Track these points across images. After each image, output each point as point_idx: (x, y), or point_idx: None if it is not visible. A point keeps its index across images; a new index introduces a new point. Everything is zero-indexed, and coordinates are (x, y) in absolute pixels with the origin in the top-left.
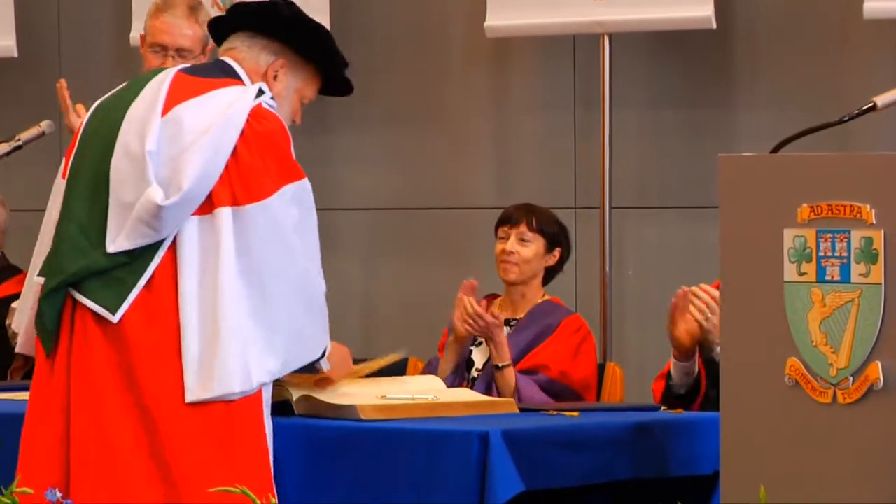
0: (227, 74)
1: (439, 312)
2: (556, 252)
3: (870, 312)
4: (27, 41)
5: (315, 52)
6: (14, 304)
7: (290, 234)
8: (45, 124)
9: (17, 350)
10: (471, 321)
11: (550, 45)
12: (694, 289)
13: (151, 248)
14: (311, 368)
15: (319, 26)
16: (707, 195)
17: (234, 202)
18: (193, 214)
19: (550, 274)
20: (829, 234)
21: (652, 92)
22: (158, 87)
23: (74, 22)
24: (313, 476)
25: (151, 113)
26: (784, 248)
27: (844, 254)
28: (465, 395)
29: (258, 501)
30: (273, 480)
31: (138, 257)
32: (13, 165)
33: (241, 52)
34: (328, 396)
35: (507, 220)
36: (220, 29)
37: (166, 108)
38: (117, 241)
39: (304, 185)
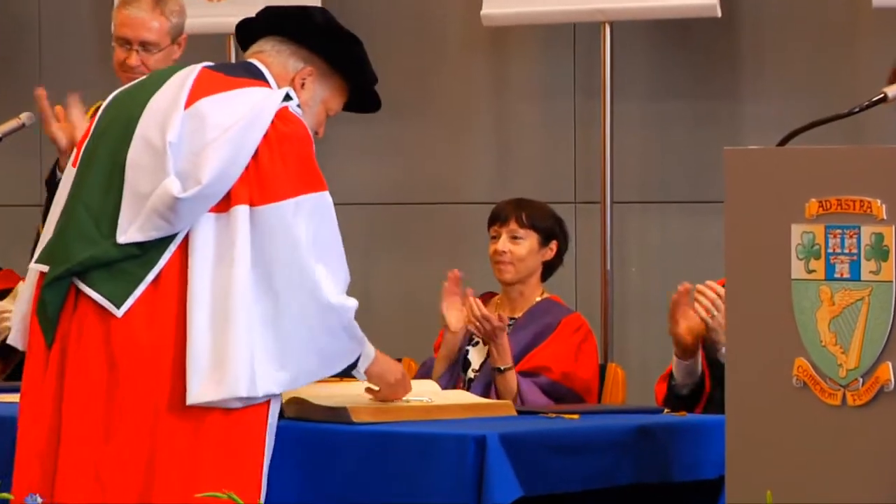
0: (253, 76)
1: (437, 310)
2: (553, 245)
3: (881, 311)
4: (6, 37)
5: (345, 63)
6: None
7: (304, 247)
8: (24, 116)
9: (7, 342)
10: (477, 323)
11: (549, 34)
12: (699, 286)
13: (163, 242)
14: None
15: (352, 37)
16: (712, 189)
17: (252, 202)
18: (210, 211)
19: (549, 268)
20: (839, 230)
21: (655, 82)
22: (182, 81)
23: (54, 17)
24: (303, 481)
25: (174, 105)
26: (792, 245)
27: (854, 250)
28: (461, 397)
29: None
30: (262, 499)
31: (149, 250)
32: None
33: (270, 57)
34: (319, 398)
35: (497, 218)
36: (249, 31)
37: (189, 102)
38: (129, 233)
39: (324, 197)
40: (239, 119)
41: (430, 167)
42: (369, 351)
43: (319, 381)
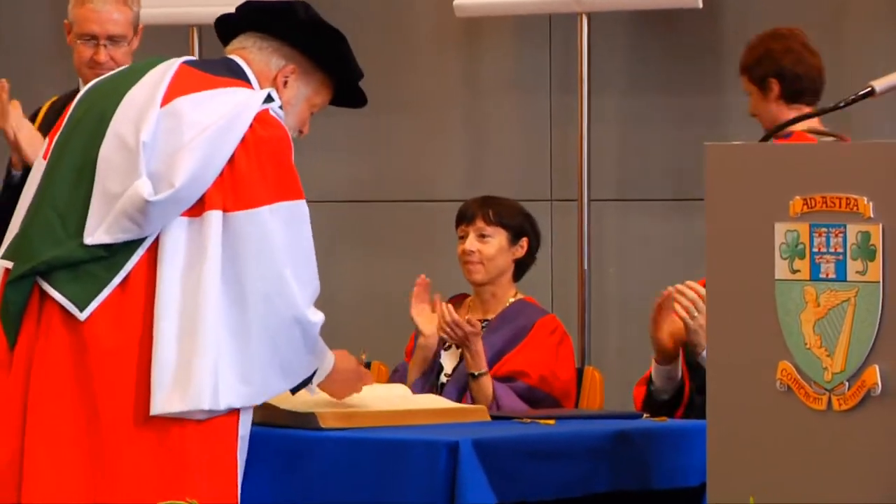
0: (234, 74)
1: (407, 312)
2: (523, 242)
3: (867, 313)
4: None
5: (330, 59)
6: None
7: (276, 256)
8: None
9: None
10: (448, 329)
11: (524, 26)
12: (678, 286)
13: (131, 245)
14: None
15: (336, 32)
16: (693, 187)
17: (225, 208)
18: (182, 215)
19: (521, 267)
20: (824, 229)
21: (634, 76)
22: (160, 76)
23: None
24: (270, 489)
25: (150, 102)
26: (775, 244)
27: (840, 250)
28: (433, 401)
29: None
30: None
31: (116, 253)
32: None
33: (251, 54)
34: (286, 403)
35: (463, 217)
36: (229, 26)
37: (166, 99)
38: (96, 234)
39: (300, 206)
40: (216, 121)
41: (399, 164)
42: (327, 365)
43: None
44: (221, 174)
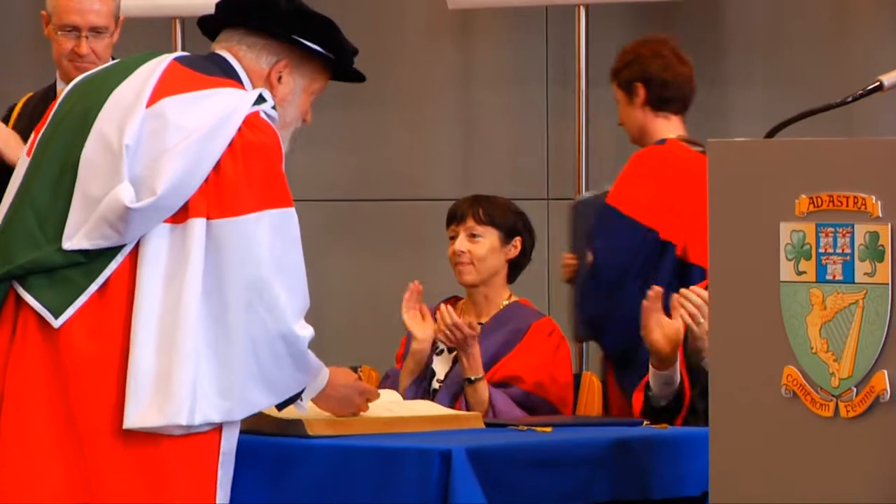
0: (225, 73)
1: (397, 316)
2: (516, 242)
3: (875, 316)
4: None
5: (321, 46)
6: None
7: (262, 267)
8: None
9: None
10: (448, 332)
11: (520, 18)
12: (682, 291)
13: (110, 252)
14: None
15: (323, 18)
16: None
17: (209, 215)
18: (165, 222)
19: (515, 268)
20: (831, 229)
21: None
22: (148, 74)
23: None
24: (256, 499)
25: (136, 102)
26: (780, 245)
27: (847, 250)
28: (425, 408)
29: None
30: None
31: (94, 259)
32: None
33: (240, 51)
34: (273, 409)
35: (453, 216)
36: (212, 24)
37: (153, 99)
38: (75, 239)
39: (289, 215)
40: (203, 125)
41: (389, 161)
42: (320, 381)
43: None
44: (206, 180)
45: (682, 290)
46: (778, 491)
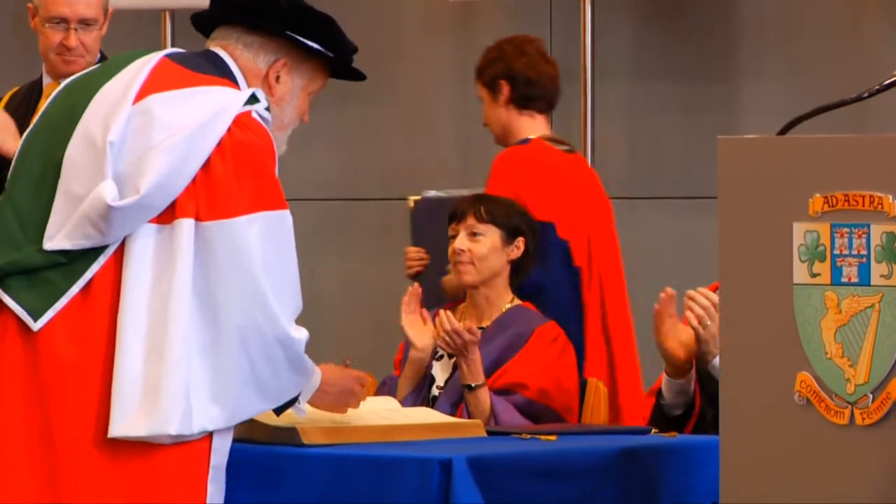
0: (219, 71)
1: (394, 318)
2: (519, 242)
3: (892, 319)
4: None
5: (321, 45)
6: None
7: (257, 269)
8: None
9: None
10: (447, 338)
11: (522, 10)
12: (690, 292)
13: (92, 253)
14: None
15: (323, 16)
16: (704, 183)
17: (198, 216)
18: (151, 222)
19: (518, 270)
20: (846, 229)
21: (641, 63)
22: (137, 71)
23: None
24: None
25: (123, 99)
26: (794, 246)
27: (863, 252)
28: (425, 415)
29: None
30: None
31: (76, 260)
32: None
33: (236, 49)
34: (266, 417)
35: (454, 215)
36: (206, 20)
37: (140, 96)
38: (56, 239)
39: (283, 217)
40: (190, 123)
41: (386, 159)
42: (314, 382)
43: None
44: (195, 180)
45: (690, 292)
46: (791, 500)
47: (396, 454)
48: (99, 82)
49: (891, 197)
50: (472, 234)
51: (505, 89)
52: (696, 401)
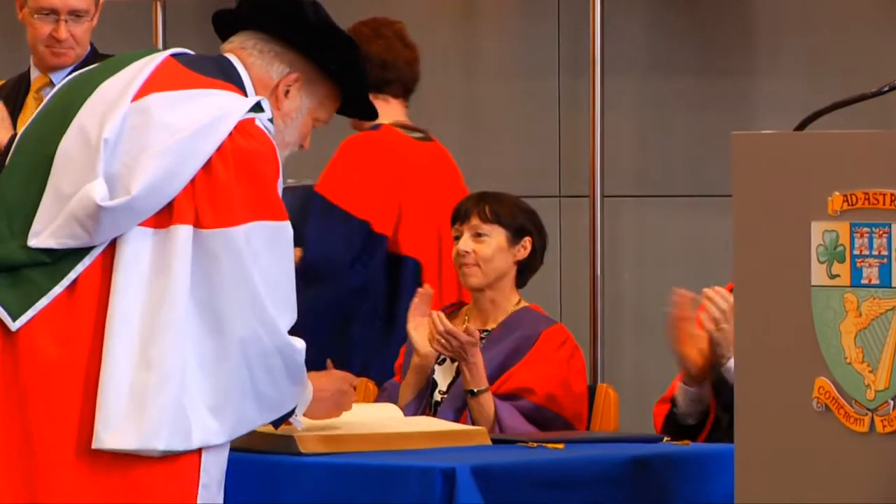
0: (225, 76)
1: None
2: (526, 242)
3: None
4: None
5: (340, 68)
6: None
7: (256, 280)
8: None
9: None
10: (442, 340)
11: (529, 2)
12: (706, 291)
13: (77, 254)
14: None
15: (349, 39)
16: (717, 181)
17: (197, 223)
18: (147, 226)
19: (525, 271)
20: (866, 229)
21: (652, 56)
22: (139, 69)
23: None
24: None
25: (122, 96)
26: (812, 246)
27: (884, 252)
28: (427, 423)
29: None
30: None
31: (60, 260)
32: None
33: (251, 57)
34: (265, 426)
35: (458, 215)
36: (228, 22)
37: (140, 94)
38: (41, 237)
39: (283, 228)
40: (190, 126)
41: None
42: (308, 395)
43: None
44: (195, 184)
45: (706, 291)
46: None
47: (397, 463)
48: (99, 79)
49: None
50: (477, 235)
51: None
52: (711, 408)
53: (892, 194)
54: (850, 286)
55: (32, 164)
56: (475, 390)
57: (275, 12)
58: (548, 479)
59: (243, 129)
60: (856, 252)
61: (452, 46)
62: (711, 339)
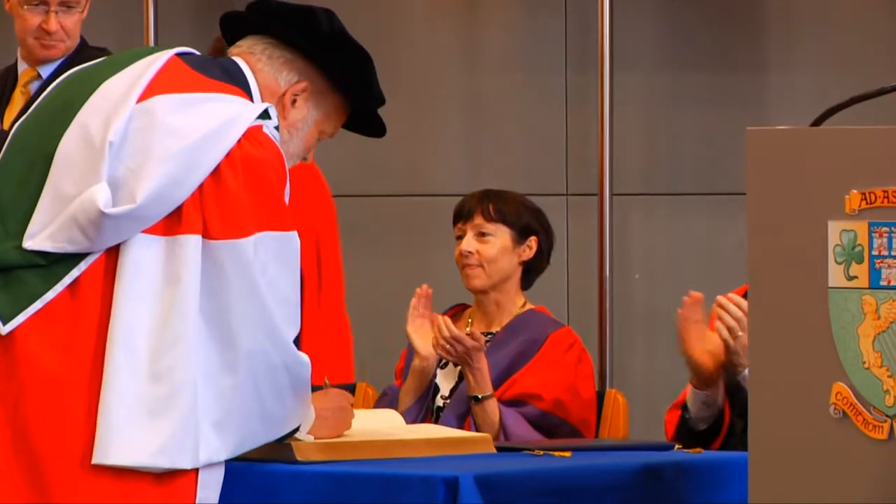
0: (232, 79)
1: (400, 323)
2: (531, 242)
3: None
4: None
5: (351, 81)
6: None
7: (264, 291)
8: None
9: None
10: (446, 346)
11: None
12: (720, 299)
13: (74, 259)
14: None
15: (361, 51)
16: (728, 179)
17: (206, 233)
18: (154, 233)
19: (531, 271)
20: (885, 228)
21: (662, 51)
22: (144, 68)
23: None
24: None
25: (127, 96)
26: (829, 246)
27: None
28: (429, 430)
29: None
30: None
31: (56, 263)
32: None
33: (259, 62)
34: None
35: (460, 214)
36: (237, 24)
37: (145, 95)
38: (37, 238)
39: (290, 238)
40: (197, 130)
41: (391, 154)
42: (311, 414)
43: None
44: (203, 191)
45: (719, 299)
46: None
47: (398, 472)
48: (101, 77)
49: None
50: (481, 235)
51: None
52: (726, 414)
53: None
54: (869, 288)
55: (29, 162)
56: (479, 396)
57: (287, 18)
58: (554, 488)
59: (252, 136)
60: (874, 252)
61: (455, 40)
62: (728, 348)
